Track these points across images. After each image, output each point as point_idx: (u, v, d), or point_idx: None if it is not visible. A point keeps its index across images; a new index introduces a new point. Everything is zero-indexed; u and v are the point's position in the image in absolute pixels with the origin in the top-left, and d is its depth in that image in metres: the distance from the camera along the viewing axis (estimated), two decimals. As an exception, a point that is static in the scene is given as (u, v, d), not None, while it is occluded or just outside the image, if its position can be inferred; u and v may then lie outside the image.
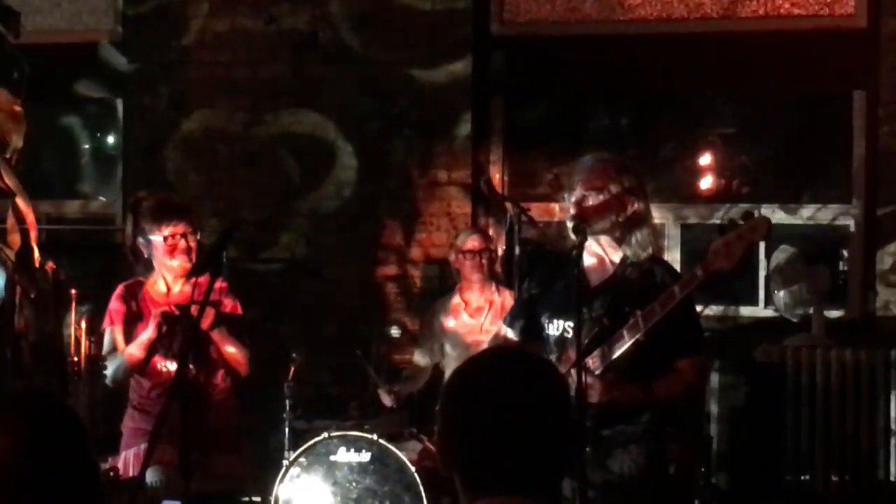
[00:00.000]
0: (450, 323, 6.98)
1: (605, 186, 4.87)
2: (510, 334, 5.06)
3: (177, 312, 5.37)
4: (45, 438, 2.51)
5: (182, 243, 5.46)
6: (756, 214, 4.79)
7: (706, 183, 8.74)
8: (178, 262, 5.48)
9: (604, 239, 4.84)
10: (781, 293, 7.90)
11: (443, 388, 2.56)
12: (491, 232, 7.87)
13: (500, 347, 4.65)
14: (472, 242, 6.97)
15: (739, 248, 4.74)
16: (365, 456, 6.21)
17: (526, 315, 5.00)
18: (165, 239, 5.44)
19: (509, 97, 8.66)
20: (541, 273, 5.09)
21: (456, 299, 7.07)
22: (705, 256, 4.74)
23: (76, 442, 2.56)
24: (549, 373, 2.52)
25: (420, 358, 7.21)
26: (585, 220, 4.78)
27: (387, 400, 6.90)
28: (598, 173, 4.91)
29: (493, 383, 2.43)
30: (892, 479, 7.61)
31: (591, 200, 4.83)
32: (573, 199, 4.84)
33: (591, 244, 4.82)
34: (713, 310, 8.33)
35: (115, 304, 5.57)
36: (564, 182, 5.05)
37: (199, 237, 5.53)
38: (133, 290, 5.61)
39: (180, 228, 5.45)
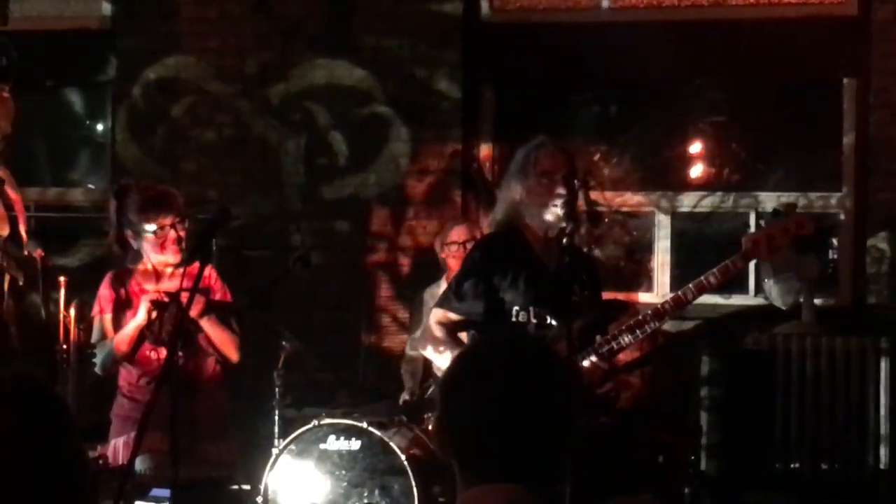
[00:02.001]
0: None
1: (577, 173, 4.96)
2: (452, 316, 5.04)
3: (166, 299, 5.36)
4: (33, 425, 2.49)
5: (171, 234, 5.43)
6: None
7: (696, 171, 8.74)
8: (168, 253, 5.46)
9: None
10: (771, 281, 7.90)
11: (444, 373, 2.55)
12: (481, 221, 7.86)
13: (501, 334, 4.65)
14: (456, 234, 7.00)
15: (784, 241, 4.76)
16: (355, 444, 6.19)
17: (484, 300, 4.94)
18: (155, 232, 5.42)
19: (500, 84, 8.64)
20: (497, 260, 5.04)
21: (441, 287, 7.06)
22: (744, 246, 4.76)
23: (64, 429, 2.54)
24: (551, 360, 2.51)
25: (412, 349, 7.20)
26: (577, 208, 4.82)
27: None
28: (573, 160, 5.00)
29: (494, 369, 2.42)
30: (881, 466, 7.60)
31: (575, 187, 4.87)
32: (571, 187, 4.84)
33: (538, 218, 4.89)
34: (703, 298, 8.33)
35: (104, 292, 5.56)
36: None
37: (187, 225, 5.51)
38: (122, 277, 5.59)
39: (168, 220, 5.43)
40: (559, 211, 4.78)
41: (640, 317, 4.81)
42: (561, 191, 4.81)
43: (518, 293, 4.87)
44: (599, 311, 4.99)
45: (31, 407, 2.54)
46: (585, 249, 5.07)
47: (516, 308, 4.86)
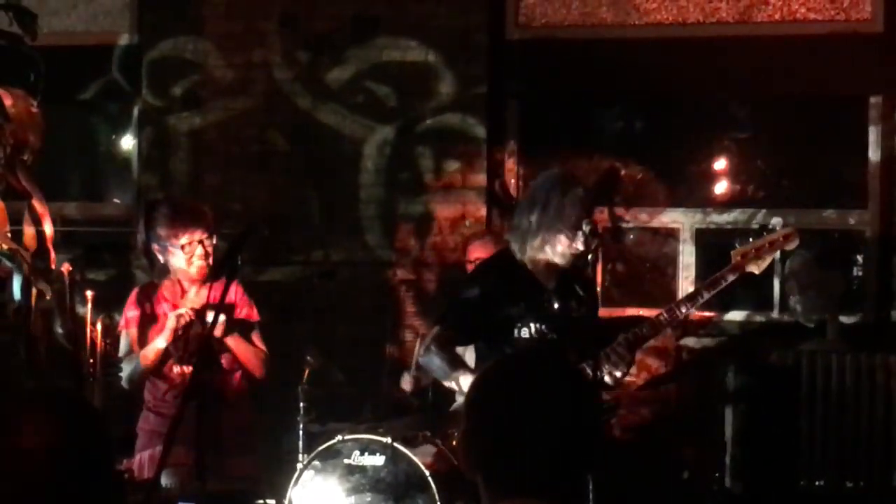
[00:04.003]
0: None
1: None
2: (450, 334, 5.12)
3: (192, 315, 5.37)
4: (74, 436, 2.52)
5: (199, 250, 5.45)
6: (780, 224, 5.13)
7: (721, 187, 8.73)
8: (196, 269, 5.48)
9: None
10: (797, 298, 7.88)
11: (469, 388, 2.57)
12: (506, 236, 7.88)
13: (527, 349, 4.72)
14: (478, 250, 7.01)
15: (770, 254, 5.01)
16: (379, 459, 6.19)
17: (481, 319, 5.05)
18: (183, 247, 5.43)
19: (525, 101, 8.65)
20: (495, 280, 5.13)
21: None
22: (733, 260, 4.99)
23: (101, 442, 2.56)
24: (575, 376, 2.52)
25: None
26: None
27: (406, 384, 6.96)
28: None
29: (519, 385, 2.43)
30: (906, 485, 7.59)
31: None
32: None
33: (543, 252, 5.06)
34: (728, 314, 8.33)
35: (130, 307, 5.58)
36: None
37: (215, 241, 5.52)
38: (148, 292, 5.62)
39: (197, 235, 5.44)
40: (584, 240, 4.96)
41: (637, 329, 5.00)
42: (589, 230, 4.95)
43: (518, 311, 4.98)
44: (596, 325, 5.17)
45: (73, 418, 2.56)
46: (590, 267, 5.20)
47: (518, 325, 4.96)
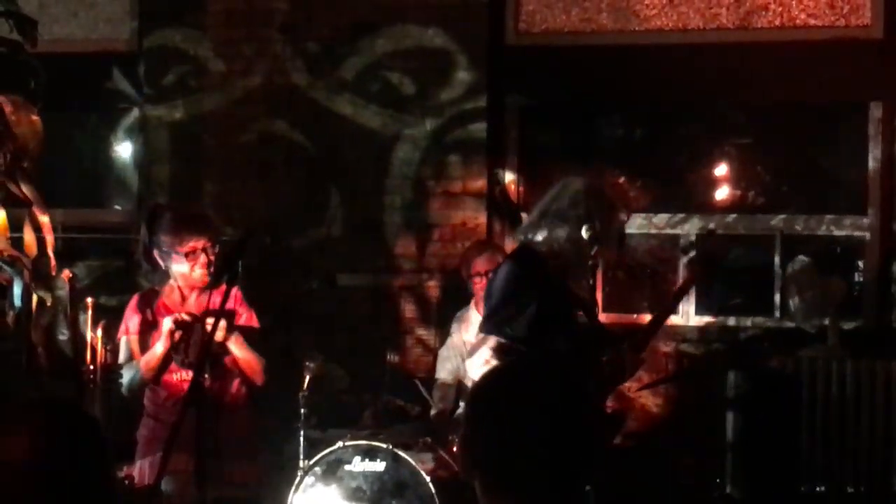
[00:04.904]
0: (465, 336, 6.98)
1: None
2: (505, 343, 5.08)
3: (188, 320, 5.36)
4: (67, 444, 2.52)
5: (202, 258, 5.44)
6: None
7: (721, 193, 8.73)
8: (198, 276, 5.47)
9: None
10: (797, 304, 7.88)
11: (470, 391, 2.58)
12: (505, 243, 7.88)
13: (527, 354, 4.72)
14: (480, 264, 6.98)
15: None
16: (379, 465, 6.20)
17: (528, 326, 4.98)
18: (186, 255, 5.43)
19: (525, 107, 8.65)
20: (536, 281, 5.08)
21: (470, 312, 7.08)
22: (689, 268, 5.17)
23: (97, 449, 2.56)
24: (574, 383, 2.53)
25: (446, 376, 7.20)
26: None
27: (439, 413, 7.02)
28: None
29: (518, 392, 2.44)
30: (906, 490, 7.59)
31: None
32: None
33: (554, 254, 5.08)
34: (729, 320, 8.33)
35: (130, 314, 5.57)
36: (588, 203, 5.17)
37: (217, 249, 5.51)
38: (148, 299, 5.61)
39: (200, 243, 5.44)
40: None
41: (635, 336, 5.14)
42: (589, 236, 4.98)
43: (553, 316, 4.96)
44: (598, 330, 5.26)
45: (66, 425, 2.56)
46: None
47: (551, 330, 4.95)
